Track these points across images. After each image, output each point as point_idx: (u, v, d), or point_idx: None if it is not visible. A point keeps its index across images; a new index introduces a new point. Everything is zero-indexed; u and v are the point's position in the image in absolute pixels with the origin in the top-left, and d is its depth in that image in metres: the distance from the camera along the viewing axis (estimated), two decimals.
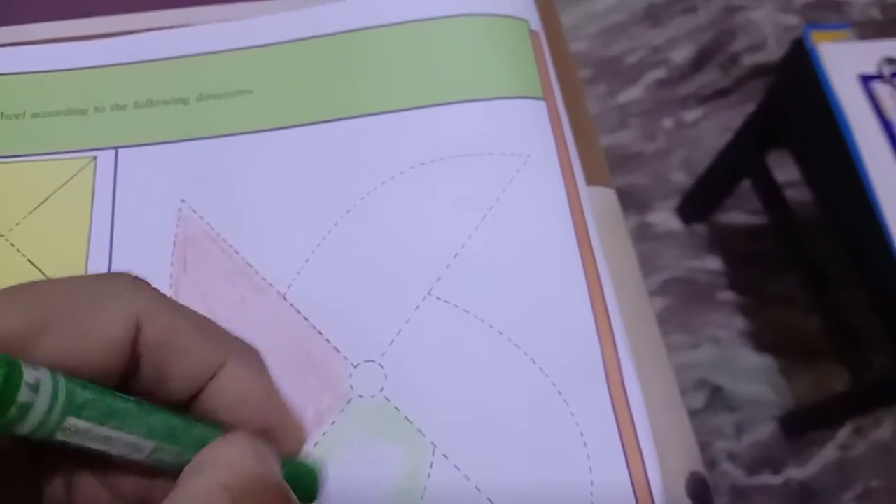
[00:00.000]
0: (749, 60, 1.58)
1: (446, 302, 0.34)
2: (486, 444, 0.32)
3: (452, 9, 0.40)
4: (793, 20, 1.61)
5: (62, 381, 0.19)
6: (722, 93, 1.55)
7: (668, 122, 1.50)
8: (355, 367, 0.33)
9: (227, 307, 0.34)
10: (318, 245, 0.35)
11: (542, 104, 0.38)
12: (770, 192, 1.26)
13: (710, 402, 1.26)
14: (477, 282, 0.34)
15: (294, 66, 0.40)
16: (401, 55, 0.40)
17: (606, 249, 0.35)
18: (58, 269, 0.35)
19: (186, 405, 0.24)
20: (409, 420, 0.32)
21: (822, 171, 1.09)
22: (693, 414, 1.23)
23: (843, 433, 1.27)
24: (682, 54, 1.59)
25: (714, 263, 1.38)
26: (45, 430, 0.19)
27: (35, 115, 0.39)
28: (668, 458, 0.32)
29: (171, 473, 0.22)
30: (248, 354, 0.26)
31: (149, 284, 0.24)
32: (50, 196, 0.37)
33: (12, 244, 0.36)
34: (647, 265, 1.34)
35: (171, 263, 0.35)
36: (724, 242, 1.39)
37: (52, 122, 0.39)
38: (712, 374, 1.28)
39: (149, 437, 0.21)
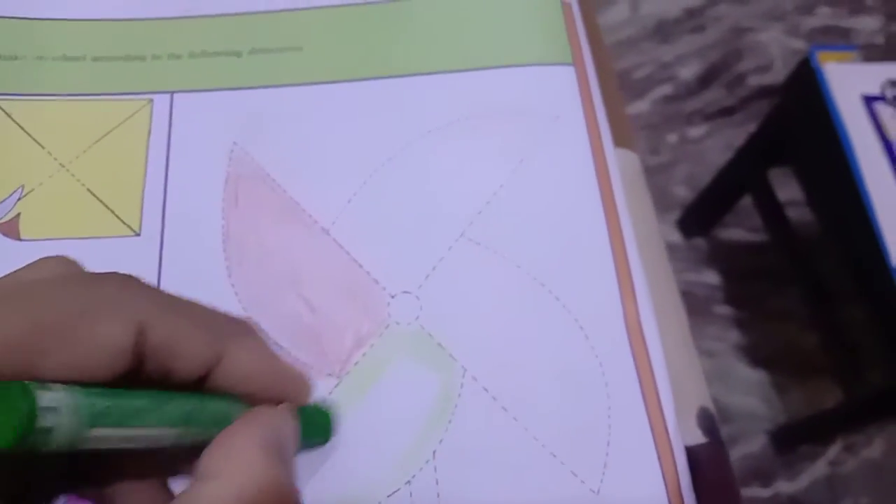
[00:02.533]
0: (755, 81, 1.62)
1: (478, 243, 0.37)
2: (513, 370, 0.35)
3: None
4: (799, 44, 1.66)
5: (79, 396, 0.20)
6: (727, 111, 1.59)
7: (672, 137, 1.54)
8: (393, 298, 0.36)
9: (274, 240, 0.37)
10: (360, 188, 0.39)
11: (571, 70, 0.42)
12: (771, 207, 1.29)
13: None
14: (506, 227, 0.38)
15: (342, 28, 0.43)
16: (440, 23, 0.43)
17: (629, 206, 0.39)
18: (116, 199, 0.39)
19: (199, 385, 0.26)
20: (441, 346, 0.35)
21: (823, 189, 1.12)
22: None
23: (834, 449, 1.30)
24: (689, 71, 1.63)
25: (712, 278, 1.41)
26: (71, 445, 0.20)
27: (95, 59, 0.42)
28: (679, 393, 0.35)
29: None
30: (246, 333, 0.28)
31: (143, 284, 0.25)
32: (108, 133, 0.40)
33: (73, 174, 0.39)
34: None
35: (223, 199, 0.39)
36: (723, 257, 1.43)
37: (112, 66, 0.42)
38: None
39: (169, 425, 0.23)
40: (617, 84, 0.43)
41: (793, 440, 1.30)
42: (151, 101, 0.41)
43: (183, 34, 0.43)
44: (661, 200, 1.46)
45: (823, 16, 1.71)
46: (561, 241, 0.37)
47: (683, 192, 1.47)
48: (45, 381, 0.20)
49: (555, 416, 0.34)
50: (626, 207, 0.38)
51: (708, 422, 0.35)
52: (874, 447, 1.30)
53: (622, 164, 0.40)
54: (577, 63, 0.42)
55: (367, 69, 0.42)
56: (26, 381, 0.19)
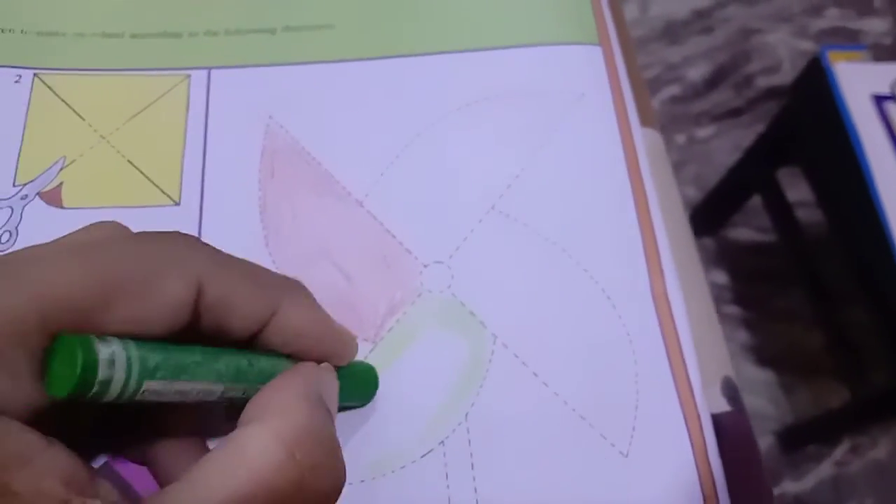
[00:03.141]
0: (763, 82, 1.64)
1: (507, 216, 0.39)
2: (542, 337, 0.36)
3: None
4: (808, 45, 1.67)
5: (133, 350, 0.21)
6: (735, 112, 1.60)
7: (680, 138, 1.56)
8: (425, 267, 0.38)
9: (310, 211, 0.39)
10: (392, 161, 0.40)
11: (598, 49, 0.43)
12: (779, 208, 1.30)
13: None
14: (535, 200, 0.39)
15: (374, 7, 0.45)
16: (471, 1, 0.45)
17: (654, 183, 0.40)
18: (155, 170, 0.40)
19: (249, 342, 0.27)
20: (472, 314, 0.36)
21: (832, 188, 1.13)
22: None
23: (840, 450, 1.31)
24: (697, 72, 1.65)
25: (720, 277, 1.43)
26: (125, 397, 0.21)
27: (133, 36, 0.44)
28: (704, 363, 0.36)
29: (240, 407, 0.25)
30: (298, 291, 0.29)
31: (203, 243, 0.26)
32: (148, 106, 0.42)
33: (113, 146, 0.40)
34: None
35: (259, 171, 0.40)
36: (731, 257, 1.44)
37: (149, 42, 0.43)
38: None
39: (219, 380, 0.24)
40: (638, 66, 0.44)
41: (799, 440, 1.31)
42: (189, 76, 0.43)
43: (219, 12, 0.45)
44: None
45: (832, 17, 1.73)
46: (589, 214, 0.39)
47: (691, 193, 1.49)
48: (103, 335, 0.21)
49: (583, 381, 0.35)
50: (652, 182, 0.40)
51: (732, 391, 0.37)
52: (879, 448, 1.31)
53: (647, 142, 0.41)
54: (604, 43, 0.43)
55: (396, 47, 0.44)
56: (87, 335, 0.20)
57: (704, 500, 0.33)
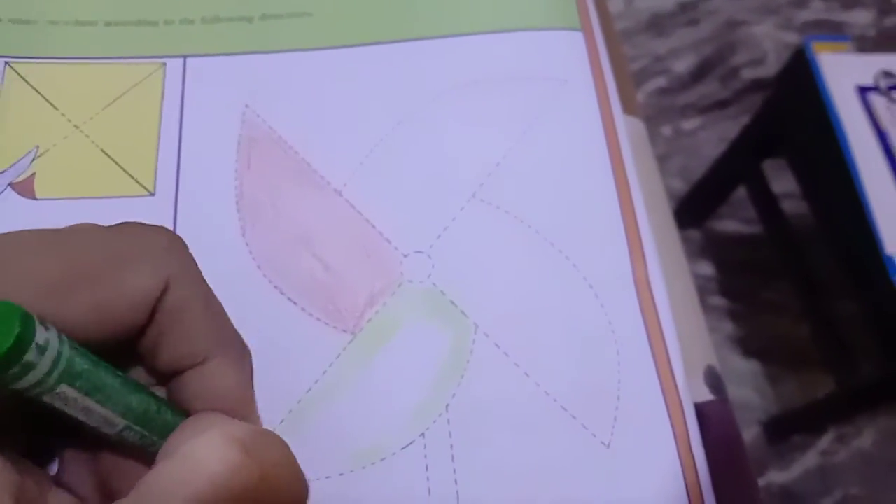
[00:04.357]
0: (749, 74, 1.64)
1: (489, 204, 0.38)
2: (524, 327, 0.35)
3: None
4: (793, 38, 1.67)
5: (66, 348, 0.20)
6: (721, 104, 1.60)
7: (666, 130, 1.56)
8: (405, 257, 0.37)
9: (287, 201, 0.38)
10: (371, 150, 0.39)
11: (580, 35, 0.42)
12: (765, 199, 1.30)
13: None
14: (517, 188, 0.38)
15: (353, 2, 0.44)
16: None
17: (637, 172, 0.39)
18: (130, 160, 0.39)
19: (165, 381, 0.25)
20: (453, 303, 0.36)
21: (817, 179, 1.13)
22: None
23: (826, 440, 1.31)
24: (683, 65, 1.64)
25: (706, 269, 1.43)
26: (37, 391, 0.20)
27: (108, 24, 0.43)
28: (686, 352, 0.36)
29: (142, 455, 0.24)
30: (240, 354, 0.27)
31: (184, 245, 0.25)
32: (122, 95, 0.41)
33: (87, 135, 0.40)
34: None
35: (236, 160, 0.39)
36: (717, 249, 1.44)
37: (124, 30, 0.43)
38: None
39: (125, 415, 0.23)
40: (621, 51, 0.43)
41: (785, 431, 1.31)
42: (164, 64, 0.42)
43: (195, 0, 0.44)
44: None
45: (816, 9, 1.73)
46: (571, 202, 0.38)
47: (677, 185, 1.49)
48: (46, 322, 0.20)
49: (565, 371, 0.35)
50: (634, 170, 0.39)
51: (715, 380, 0.36)
52: (864, 438, 1.32)
53: (630, 130, 0.41)
54: (586, 28, 0.43)
55: (375, 34, 0.43)
56: (30, 313, 0.19)
57: (688, 491, 0.33)
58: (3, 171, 0.38)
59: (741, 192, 1.35)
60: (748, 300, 1.40)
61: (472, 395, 0.34)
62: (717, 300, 1.40)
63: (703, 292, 1.40)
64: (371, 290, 0.36)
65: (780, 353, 1.36)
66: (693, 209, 1.45)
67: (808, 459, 1.29)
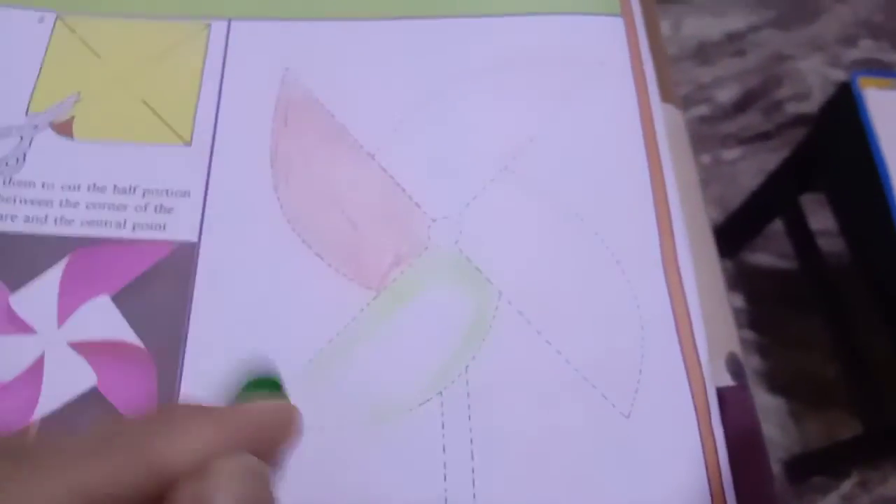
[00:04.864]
0: (792, 109, 1.63)
1: (520, 176, 0.39)
2: (548, 297, 0.36)
3: None
4: (840, 75, 1.67)
5: None
6: (762, 136, 1.60)
7: (706, 158, 1.56)
8: (433, 221, 0.38)
9: (321, 161, 0.39)
10: (406, 118, 0.40)
11: (619, 21, 0.43)
12: (801, 234, 1.30)
13: None
14: (548, 163, 0.39)
15: None
16: None
17: (671, 157, 0.40)
18: (169, 111, 0.40)
19: None
20: (479, 269, 0.36)
21: (856, 217, 1.13)
22: None
23: (848, 484, 1.29)
24: (727, 94, 1.64)
25: (737, 301, 1.42)
26: None
27: None
28: (710, 335, 0.36)
29: None
30: None
31: None
32: (166, 51, 0.42)
33: (128, 86, 0.41)
34: None
35: (273, 119, 0.40)
36: (749, 281, 1.44)
37: None
38: None
39: None
40: (662, 41, 0.44)
41: (806, 471, 1.29)
42: (209, 25, 0.43)
43: None
44: None
45: (866, 48, 1.72)
46: (602, 179, 0.39)
47: (713, 214, 1.48)
48: None
49: (587, 342, 0.35)
50: (668, 155, 0.40)
51: (736, 366, 0.37)
52: (890, 485, 1.30)
53: (667, 116, 0.41)
54: (626, 15, 0.44)
55: (417, 9, 0.44)
56: None
57: (706, 466, 0.33)
58: (44, 112, 0.39)
59: (777, 225, 1.34)
60: (777, 335, 1.39)
61: (493, 358, 0.35)
62: (746, 333, 1.39)
63: None
64: (397, 250, 0.37)
65: (807, 390, 1.35)
66: (727, 240, 1.44)
67: (829, 503, 1.28)
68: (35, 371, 0.34)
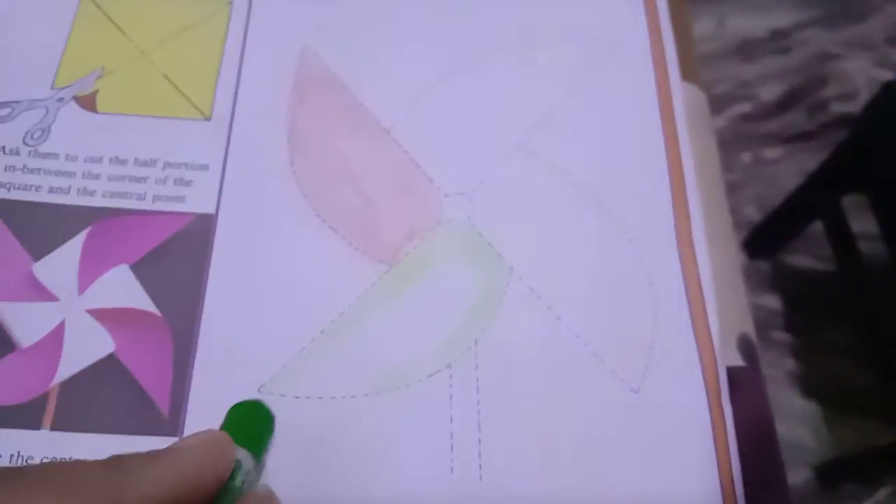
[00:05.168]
0: (837, 109, 1.62)
1: (534, 153, 0.39)
2: (560, 273, 0.37)
3: None
4: (887, 75, 1.65)
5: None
6: (805, 136, 1.59)
7: (746, 157, 1.55)
8: (447, 197, 0.38)
9: (337, 136, 0.40)
10: (422, 94, 0.41)
11: (639, 1, 0.44)
12: (841, 236, 1.28)
13: None
14: (563, 141, 0.40)
15: None
16: None
17: (690, 134, 0.40)
18: (190, 85, 0.41)
19: None
20: (491, 245, 0.37)
21: None
22: None
23: (882, 493, 1.28)
24: (770, 92, 1.63)
25: (773, 302, 1.41)
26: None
27: None
28: (723, 315, 0.36)
29: None
30: None
31: None
32: (188, 27, 0.43)
33: (151, 60, 0.42)
34: None
35: (290, 95, 0.41)
36: (786, 283, 1.43)
37: None
38: None
39: None
40: (688, 20, 0.44)
41: (838, 477, 1.28)
42: (231, 1, 0.44)
43: None
44: None
45: None
46: (617, 157, 0.39)
47: (752, 213, 1.47)
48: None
49: (598, 319, 0.36)
50: (686, 133, 0.40)
51: (748, 348, 0.37)
52: None
53: (687, 96, 0.42)
54: None
55: None
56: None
57: (715, 442, 0.33)
58: (68, 86, 0.41)
59: (817, 226, 1.33)
60: (812, 339, 1.38)
61: (503, 332, 0.35)
62: (781, 335, 1.38)
63: (766, 326, 1.38)
64: (411, 225, 0.38)
65: (841, 395, 1.33)
66: (765, 240, 1.43)
67: None
68: (56, 337, 0.35)
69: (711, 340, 0.35)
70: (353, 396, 0.34)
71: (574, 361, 0.35)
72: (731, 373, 0.35)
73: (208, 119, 0.40)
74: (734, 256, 0.39)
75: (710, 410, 0.34)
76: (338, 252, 0.37)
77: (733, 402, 0.34)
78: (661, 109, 0.40)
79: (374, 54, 0.42)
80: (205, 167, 0.39)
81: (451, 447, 0.33)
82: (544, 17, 0.43)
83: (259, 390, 0.34)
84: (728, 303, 0.37)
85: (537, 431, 0.33)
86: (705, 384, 0.34)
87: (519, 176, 0.39)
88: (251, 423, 0.32)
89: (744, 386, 0.35)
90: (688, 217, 0.38)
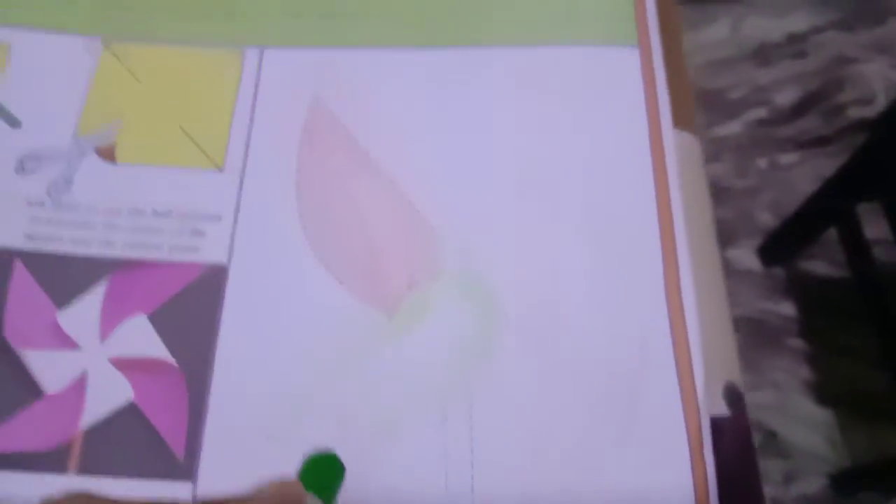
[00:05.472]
0: (854, 113, 1.63)
1: (530, 200, 0.42)
2: (553, 319, 0.39)
3: None
4: None
5: None
6: (821, 141, 1.59)
7: (762, 162, 1.56)
8: (447, 243, 0.41)
9: (343, 185, 0.42)
10: (426, 143, 0.44)
11: (635, 51, 0.46)
12: (855, 242, 1.29)
13: (762, 446, 1.30)
14: (558, 187, 0.43)
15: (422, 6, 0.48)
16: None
17: (682, 184, 0.43)
18: (204, 136, 0.44)
19: None
20: (487, 291, 0.40)
21: None
22: None
23: None
24: (786, 97, 1.64)
25: (788, 309, 1.42)
26: None
27: (196, 11, 0.48)
28: (709, 363, 0.38)
29: None
30: None
31: None
32: (203, 78, 0.45)
33: (167, 112, 0.45)
34: None
35: (299, 145, 0.43)
36: (801, 289, 1.44)
37: (209, 19, 0.48)
38: (769, 418, 1.32)
39: None
40: (684, 64, 0.47)
41: (854, 486, 1.29)
42: (243, 53, 0.46)
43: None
44: (743, 225, 1.47)
45: None
46: (609, 204, 0.42)
47: (767, 219, 1.49)
48: None
49: (588, 367, 0.38)
50: (677, 182, 0.42)
51: (734, 396, 0.39)
52: None
53: (680, 143, 0.44)
54: (643, 44, 0.46)
55: (442, 38, 0.47)
56: None
57: (695, 493, 0.36)
58: (90, 136, 0.43)
59: (832, 232, 1.34)
60: (827, 345, 1.39)
61: (495, 378, 0.38)
62: (796, 342, 1.39)
63: (781, 333, 1.40)
64: (413, 274, 0.40)
65: (856, 403, 1.35)
66: (781, 246, 1.44)
67: None
68: (79, 384, 0.37)
69: (696, 392, 0.37)
70: (346, 439, 0.37)
71: (564, 409, 0.37)
72: (715, 422, 0.37)
73: (221, 169, 0.42)
74: (723, 303, 0.41)
75: (692, 463, 0.36)
76: (341, 302, 0.39)
77: (716, 452, 0.37)
78: (652, 156, 0.43)
79: (381, 104, 0.45)
80: (217, 218, 0.41)
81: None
82: (541, 65, 0.46)
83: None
84: (715, 351, 0.39)
85: (529, 475, 0.36)
86: (688, 436, 0.36)
87: (516, 221, 0.41)
88: (324, 473, 0.36)
89: (727, 435, 0.37)
90: (676, 265, 0.40)
